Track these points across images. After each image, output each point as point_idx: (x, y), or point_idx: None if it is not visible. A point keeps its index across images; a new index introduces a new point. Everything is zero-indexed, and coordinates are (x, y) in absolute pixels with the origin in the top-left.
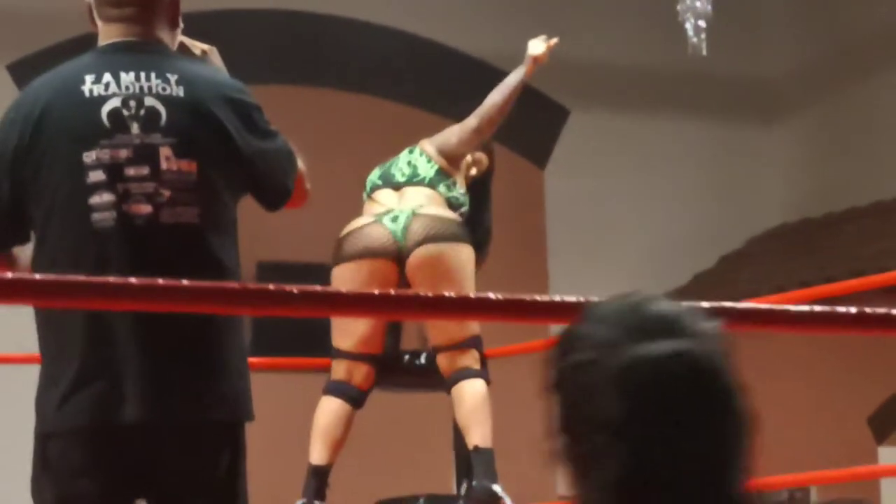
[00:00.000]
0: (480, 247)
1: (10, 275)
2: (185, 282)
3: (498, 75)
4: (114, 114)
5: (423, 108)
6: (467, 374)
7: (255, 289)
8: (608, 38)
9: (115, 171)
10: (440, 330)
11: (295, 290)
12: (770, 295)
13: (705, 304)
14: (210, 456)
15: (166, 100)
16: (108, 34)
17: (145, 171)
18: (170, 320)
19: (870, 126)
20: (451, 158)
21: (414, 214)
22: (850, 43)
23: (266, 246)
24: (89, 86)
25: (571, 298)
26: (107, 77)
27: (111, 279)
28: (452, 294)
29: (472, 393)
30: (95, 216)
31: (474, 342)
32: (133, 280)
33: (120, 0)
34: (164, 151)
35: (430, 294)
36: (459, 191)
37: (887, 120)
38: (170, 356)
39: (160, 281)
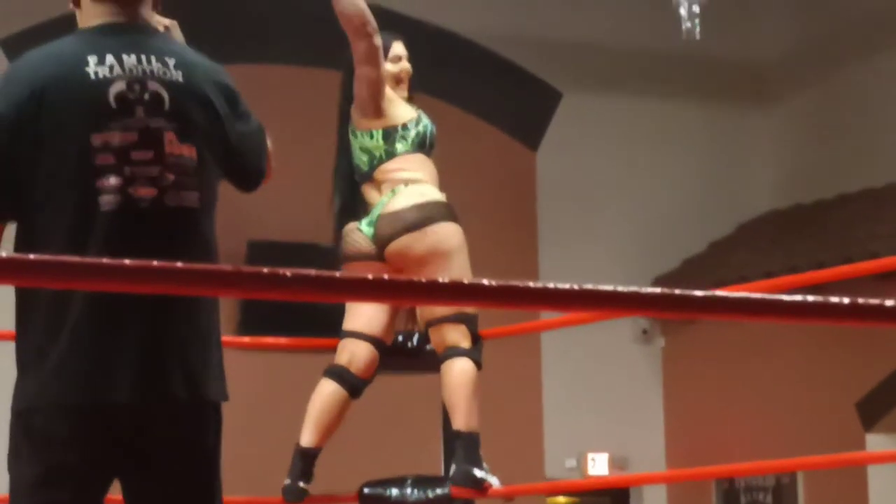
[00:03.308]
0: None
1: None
2: (179, 264)
3: (487, 55)
4: (120, 97)
5: (417, 90)
6: (455, 352)
7: (249, 272)
8: (601, 21)
9: (122, 155)
10: (428, 306)
11: (288, 274)
12: (760, 280)
13: (698, 293)
14: (197, 433)
15: (168, 84)
16: (96, 13)
17: (150, 154)
18: (163, 300)
19: (861, 111)
20: (376, 104)
21: (380, 216)
22: (841, 28)
23: (256, 225)
24: (93, 67)
25: (565, 285)
26: (110, 59)
27: (104, 260)
28: (446, 279)
29: (457, 373)
30: (102, 199)
31: (464, 318)
32: (126, 261)
33: None
34: (168, 136)
35: (423, 279)
36: (412, 127)
37: (878, 105)
38: (164, 335)
39: (154, 263)
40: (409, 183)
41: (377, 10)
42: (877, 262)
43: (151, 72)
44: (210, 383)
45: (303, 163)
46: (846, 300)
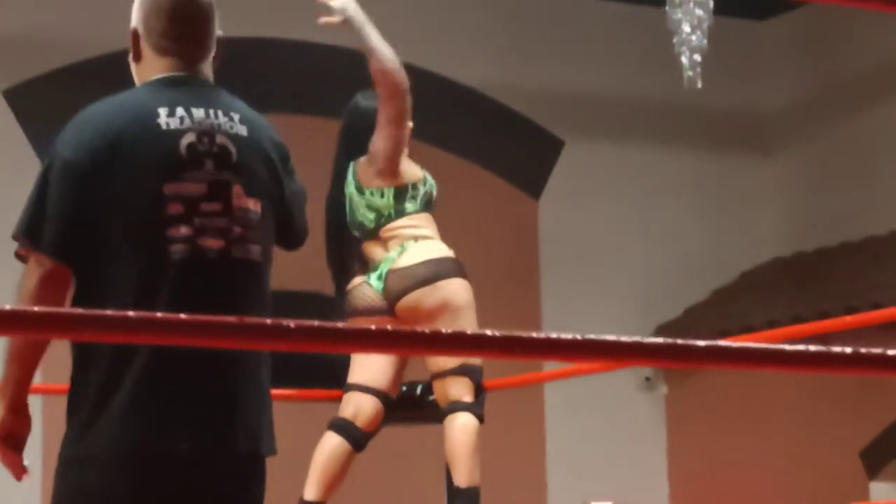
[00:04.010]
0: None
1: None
2: (182, 315)
3: (489, 104)
4: (191, 148)
5: (420, 139)
6: (457, 407)
7: (253, 323)
8: (603, 70)
9: (192, 205)
10: (433, 358)
11: (292, 325)
12: (763, 329)
13: (700, 343)
14: (250, 487)
15: (234, 138)
16: (160, 67)
17: (219, 206)
18: (228, 352)
19: (863, 160)
20: (395, 164)
21: (389, 271)
22: (844, 78)
23: None
24: (164, 119)
25: (568, 336)
26: (180, 111)
27: (93, 312)
28: (449, 330)
29: (459, 429)
30: (172, 248)
31: (468, 371)
32: (130, 313)
33: (180, 34)
34: (236, 189)
35: (426, 330)
36: (421, 187)
37: (881, 154)
38: (229, 387)
39: (157, 314)
40: (419, 239)
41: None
42: (880, 312)
43: (219, 125)
44: (264, 437)
45: (311, 212)
46: (848, 350)
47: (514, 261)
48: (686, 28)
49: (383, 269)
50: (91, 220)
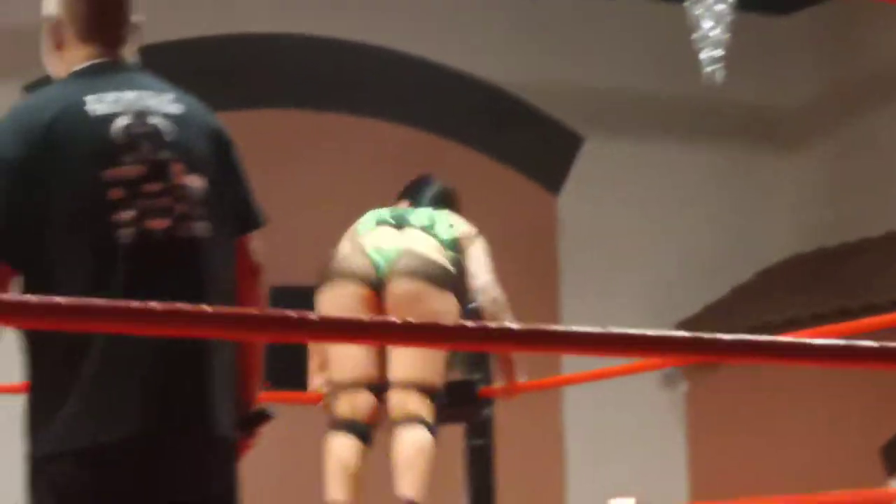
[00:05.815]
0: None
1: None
2: (207, 308)
3: (508, 100)
4: (124, 131)
5: (439, 134)
6: (412, 419)
7: (278, 315)
8: (623, 65)
9: (133, 188)
10: (400, 366)
11: (315, 317)
12: (782, 325)
13: (726, 337)
14: (223, 472)
15: (168, 117)
16: (83, 55)
17: (159, 186)
18: (183, 339)
19: (883, 156)
20: (466, 244)
21: (404, 250)
22: (865, 73)
23: (278, 270)
24: (93, 105)
25: (589, 329)
26: (109, 96)
27: (134, 303)
28: (469, 324)
29: (411, 441)
30: (120, 232)
31: (429, 390)
32: (155, 305)
33: (104, 23)
34: (175, 167)
35: (450, 324)
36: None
37: None
38: (186, 371)
39: (184, 306)
40: (434, 250)
41: (398, 56)
42: None
43: (151, 106)
44: (224, 419)
45: (327, 208)
46: (873, 344)
47: (532, 256)
48: (706, 24)
49: (393, 246)
50: (30, 215)
